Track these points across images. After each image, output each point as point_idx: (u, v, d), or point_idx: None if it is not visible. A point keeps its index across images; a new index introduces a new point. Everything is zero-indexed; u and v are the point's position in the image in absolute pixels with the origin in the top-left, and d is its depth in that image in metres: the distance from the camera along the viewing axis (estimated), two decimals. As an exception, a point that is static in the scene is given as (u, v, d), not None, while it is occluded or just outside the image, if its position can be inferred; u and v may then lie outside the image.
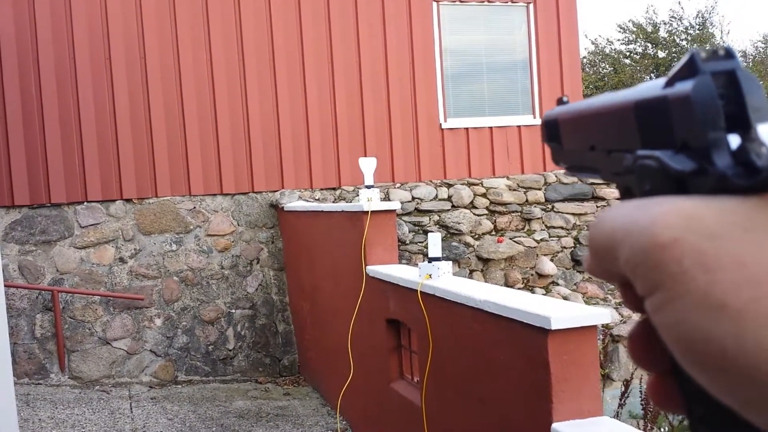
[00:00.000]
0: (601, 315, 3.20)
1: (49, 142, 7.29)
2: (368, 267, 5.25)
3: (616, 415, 4.67)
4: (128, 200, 7.48)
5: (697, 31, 20.47)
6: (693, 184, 0.34)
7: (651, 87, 0.37)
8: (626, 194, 0.39)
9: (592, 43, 22.63)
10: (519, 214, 8.25)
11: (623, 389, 4.84)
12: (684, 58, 0.35)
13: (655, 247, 0.32)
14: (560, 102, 0.49)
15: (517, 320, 3.24)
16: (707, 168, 0.33)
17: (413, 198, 8.02)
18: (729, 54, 0.34)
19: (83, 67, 7.38)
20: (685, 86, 0.34)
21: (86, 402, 6.50)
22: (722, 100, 0.33)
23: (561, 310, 3.15)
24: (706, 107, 0.33)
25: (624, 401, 4.80)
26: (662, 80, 0.36)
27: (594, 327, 3.18)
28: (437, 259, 4.27)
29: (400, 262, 5.91)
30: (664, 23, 21.09)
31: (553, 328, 3.02)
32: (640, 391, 4.96)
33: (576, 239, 8.29)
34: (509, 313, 3.31)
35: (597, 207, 8.45)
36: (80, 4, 7.36)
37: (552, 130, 0.48)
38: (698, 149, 0.34)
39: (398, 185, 8.19)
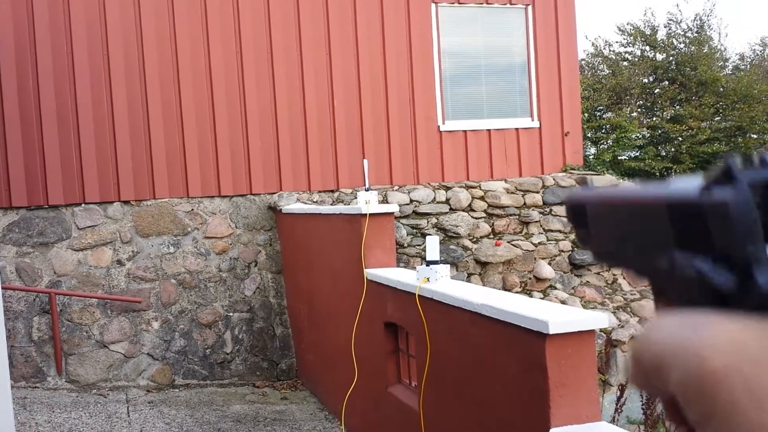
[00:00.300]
0: (599, 319, 3.19)
1: (46, 143, 7.27)
2: (366, 270, 5.23)
3: (614, 420, 4.66)
4: (126, 202, 7.46)
5: (695, 34, 20.46)
6: (733, 299, 0.34)
7: (686, 188, 0.37)
8: (659, 293, 0.40)
9: (592, 44, 22.64)
10: (517, 217, 8.24)
11: (619, 394, 4.82)
12: (720, 165, 0.35)
13: (707, 374, 0.33)
14: (584, 182, 0.48)
15: (515, 324, 3.23)
16: (749, 285, 0.34)
17: (411, 201, 8.00)
18: (764, 163, 0.34)
19: (81, 68, 7.37)
20: (723, 194, 0.34)
21: (83, 406, 6.47)
22: (758, 209, 0.34)
23: (559, 315, 3.14)
24: (743, 217, 0.33)
25: (620, 407, 4.78)
26: (697, 181, 0.36)
27: (592, 331, 3.17)
28: (435, 262, 4.26)
29: (398, 265, 5.90)
30: (664, 26, 21.08)
31: (551, 332, 3.01)
32: (641, 396, 4.94)
33: (574, 242, 8.28)
34: (507, 317, 3.30)
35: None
36: (78, 4, 7.35)
37: (579, 216, 0.47)
38: (737, 261, 0.34)
39: (396, 188, 8.18)
